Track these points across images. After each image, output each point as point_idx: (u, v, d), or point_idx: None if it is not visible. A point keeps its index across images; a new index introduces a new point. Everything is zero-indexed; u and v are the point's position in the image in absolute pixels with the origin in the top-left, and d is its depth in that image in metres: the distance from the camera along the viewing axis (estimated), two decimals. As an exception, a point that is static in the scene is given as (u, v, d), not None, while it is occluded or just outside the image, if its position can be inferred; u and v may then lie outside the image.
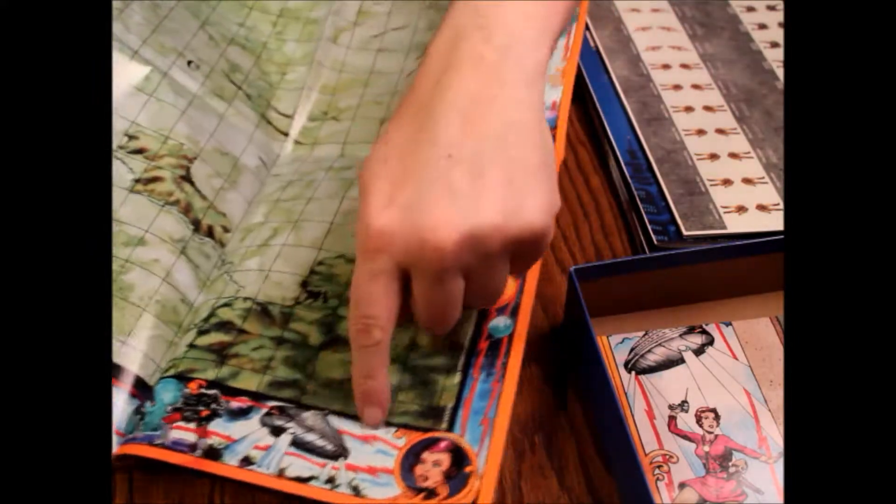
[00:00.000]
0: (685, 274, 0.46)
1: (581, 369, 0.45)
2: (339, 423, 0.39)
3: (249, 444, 0.38)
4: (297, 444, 0.38)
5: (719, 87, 0.62)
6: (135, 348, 0.41)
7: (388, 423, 0.39)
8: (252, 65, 0.58)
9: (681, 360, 0.45)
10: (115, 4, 0.51)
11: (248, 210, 0.50)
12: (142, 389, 0.41)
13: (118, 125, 0.48)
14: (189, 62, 0.53)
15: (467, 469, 0.36)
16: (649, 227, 0.51)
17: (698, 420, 0.42)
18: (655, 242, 0.50)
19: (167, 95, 0.50)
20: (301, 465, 0.37)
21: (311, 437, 0.38)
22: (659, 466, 0.40)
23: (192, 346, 0.42)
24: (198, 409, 0.40)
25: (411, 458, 0.37)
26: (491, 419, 0.38)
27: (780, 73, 0.63)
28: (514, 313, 0.42)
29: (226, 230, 0.49)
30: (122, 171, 0.47)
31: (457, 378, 0.40)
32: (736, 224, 0.51)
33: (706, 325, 0.46)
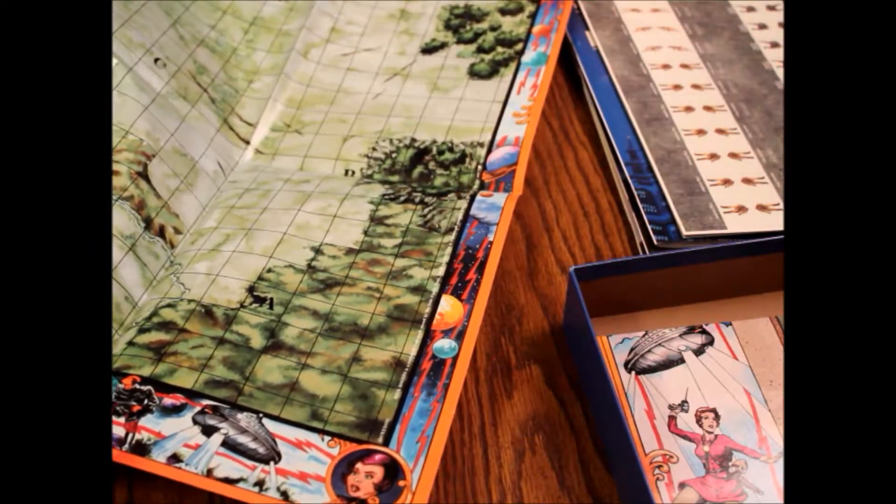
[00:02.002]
0: (685, 274, 0.46)
1: (581, 369, 0.45)
2: (273, 426, 0.39)
3: (179, 441, 0.38)
4: (229, 445, 0.38)
5: (719, 87, 0.62)
6: None
7: (324, 432, 0.39)
8: (219, 69, 0.58)
9: (681, 360, 0.45)
10: None
11: (201, 214, 0.50)
12: None
13: None
14: (156, 59, 0.53)
15: (401, 483, 0.37)
16: (649, 227, 0.51)
17: (698, 420, 0.42)
18: (655, 242, 0.50)
19: (130, 90, 0.50)
20: (230, 466, 0.37)
21: (243, 439, 0.38)
22: (659, 466, 0.40)
23: (131, 343, 0.42)
24: (129, 403, 0.39)
25: (344, 468, 0.37)
26: (429, 437, 0.38)
27: (780, 73, 0.63)
28: (460, 337, 0.42)
29: (177, 231, 0.48)
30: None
31: (397, 395, 0.40)
32: (736, 224, 0.51)
33: (706, 325, 0.46)
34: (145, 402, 0.39)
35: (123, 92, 0.50)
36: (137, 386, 0.40)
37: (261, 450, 0.38)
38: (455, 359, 0.41)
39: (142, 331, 0.43)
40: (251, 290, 0.45)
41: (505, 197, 0.50)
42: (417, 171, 0.53)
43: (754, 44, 0.66)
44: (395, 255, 0.46)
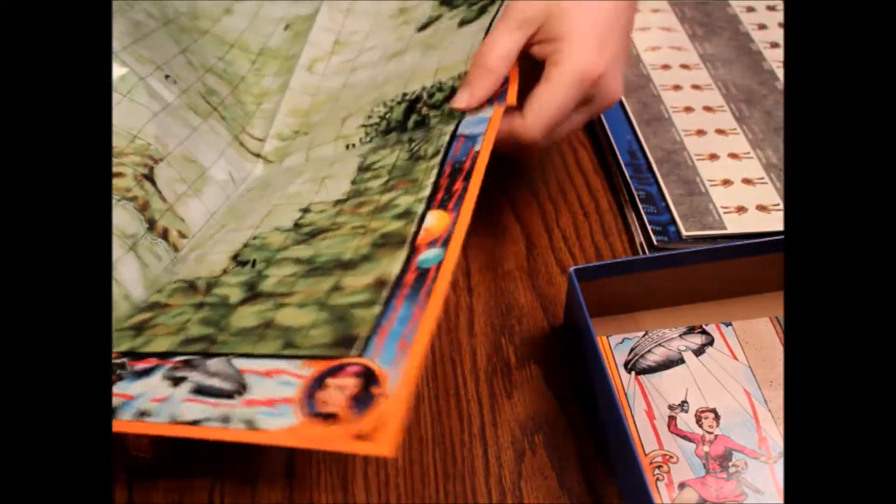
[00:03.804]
0: (685, 274, 0.46)
1: (581, 369, 0.45)
2: (243, 363, 0.37)
3: (146, 398, 0.37)
4: (197, 391, 0.36)
5: (719, 87, 0.62)
6: None
7: (296, 357, 0.36)
8: (229, 93, 0.58)
9: (681, 361, 0.45)
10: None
11: (209, 221, 0.50)
12: None
13: None
14: (167, 76, 0.53)
15: (374, 390, 0.33)
16: (649, 228, 0.51)
17: (698, 420, 0.42)
18: (655, 242, 0.50)
19: (141, 97, 0.50)
20: (196, 408, 0.36)
21: (211, 382, 0.37)
22: (659, 466, 0.40)
23: (116, 329, 0.42)
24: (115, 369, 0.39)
25: (315, 386, 0.35)
26: (409, 340, 0.35)
27: (780, 73, 0.63)
28: (445, 244, 0.39)
29: (182, 235, 0.48)
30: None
31: (377, 310, 0.37)
32: (736, 224, 0.51)
33: (706, 325, 0.46)
34: (118, 371, 0.39)
35: (134, 99, 0.50)
36: (113, 360, 0.39)
37: (227, 387, 0.36)
38: (440, 264, 0.38)
39: (129, 317, 0.43)
40: (235, 257, 0.45)
41: (492, 109, 0.47)
42: (412, 121, 0.52)
43: (754, 44, 0.66)
44: (381, 192, 0.45)
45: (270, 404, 0.34)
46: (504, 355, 0.46)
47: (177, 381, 0.37)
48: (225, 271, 0.44)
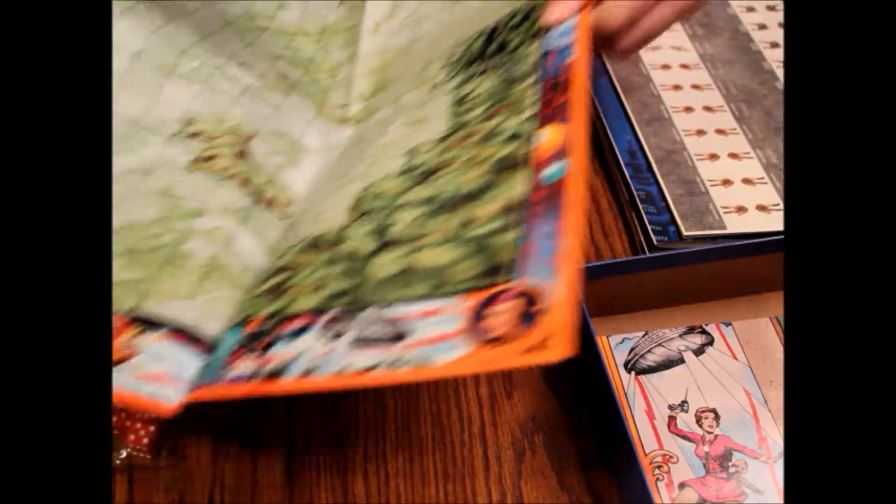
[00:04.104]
0: (685, 274, 0.46)
1: (581, 369, 0.45)
2: (397, 310, 0.38)
3: (309, 355, 0.37)
4: (359, 340, 0.37)
5: (719, 87, 0.62)
6: (198, 309, 0.42)
7: (449, 294, 0.37)
8: (302, 74, 0.59)
9: (681, 361, 0.45)
10: (157, 21, 0.52)
11: (315, 188, 0.50)
12: (207, 345, 0.41)
13: (170, 115, 0.49)
14: (241, 63, 0.54)
15: (535, 308, 0.34)
16: (649, 227, 0.51)
17: (698, 420, 0.42)
18: (655, 242, 0.50)
19: (220, 84, 0.51)
20: (362, 358, 0.36)
21: (370, 331, 0.37)
22: (659, 466, 0.40)
23: (251, 297, 0.43)
24: (256, 342, 0.39)
25: (477, 316, 0.36)
26: (558, 253, 0.36)
27: (780, 73, 0.63)
28: (566, 154, 0.39)
29: (288, 203, 0.49)
30: (177, 154, 0.47)
31: (513, 234, 0.38)
32: (736, 224, 0.51)
33: (706, 325, 0.46)
34: (271, 334, 0.39)
35: (213, 87, 0.51)
36: (261, 326, 0.40)
37: (388, 333, 0.37)
38: (567, 176, 0.39)
39: (260, 284, 0.43)
40: (353, 210, 0.45)
41: (578, 15, 0.47)
42: (493, 47, 0.51)
43: (754, 44, 0.66)
44: (483, 120, 0.45)
45: (438, 341, 0.35)
46: (504, 355, 0.46)
47: (336, 335, 0.38)
48: (345, 226, 0.44)
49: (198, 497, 0.40)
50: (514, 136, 0.43)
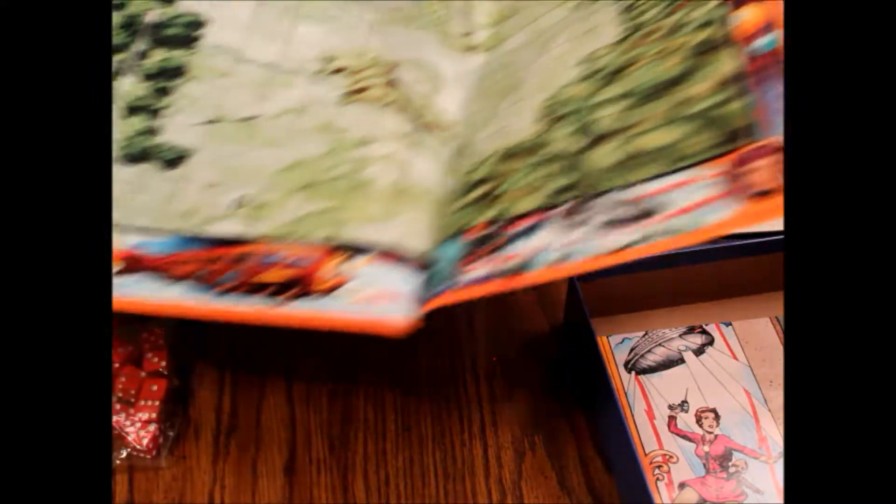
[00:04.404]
0: (685, 274, 0.46)
1: (581, 369, 0.45)
2: (637, 190, 0.38)
3: (557, 245, 0.38)
4: (606, 224, 0.38)
5: (719, 87, 0.62)
6: (396, 229, 0.42)
7: (692, 165, 0.38)
8: (414, 7, 0.59)
9: (681, 360, 0.45)
10: None
11: (469, 109, 0.51)
12: (419, 262, 0.41)
13: (308, 55, 0.50)
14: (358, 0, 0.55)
15: None
16: (649, 227, 0.51)
17: (698, 420, 0.42)
18: (655, 242, 0.50)
19: (347, 20, 0.52)
20: (614, 238, 0.37)
21: (615, 214, 0.38)
22: (659, 466, 0.40)
23: (458, 210, 0.43)
24: (485, 245, 0.40)
25: (735, 176, 0.36)
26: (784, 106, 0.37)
27: (780, 73, 0.63)
28: (773, 27, 0.41)
29: (448, 127, 0.49)
30: (327, 91, 0.48)
31: (739, 103, 0.39)
32: (736, 224, 0.51)
33: (706, 325, 0.46)
34: (501, 236, 0.40)
35: (345, 24, 0.51)
36: (485, 231, 0.40)
37: (635, 212, 0.38)
38: (778, 45, 0.40)
39: (462, 196, 0.44)
40: (544, 118, 0.45)
41: None
42: None
43: (754, 44, 0.66)
44: (665, 17, 0.46)
45: (702, 205, 0.36)
46: (504, 355, 0.46)
47: (580, 223, 0.39)
48: (542, 133, 0.44)
49: (198, 497, 0.40)
50: (707, 24, 0.43)
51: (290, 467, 0.42)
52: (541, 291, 0.49)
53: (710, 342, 0.45)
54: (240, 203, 0.43)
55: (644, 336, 0.46)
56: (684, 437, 0.41)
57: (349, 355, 0.46)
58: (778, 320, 0.46)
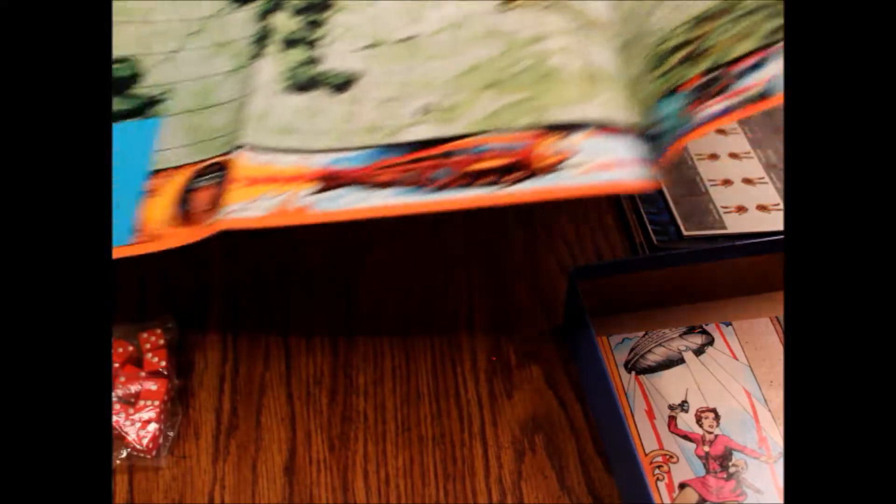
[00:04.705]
0: (685, 274, 0.46)
1: (581, 369, 0.45)
2: None
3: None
4: None
5: (719, 87, 0.62)
6: (601, 107, 0.41)
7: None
8: None
9: (681, 360, 0.45)
10: None
11: (614, 10, 0.49)
12: (636, 131, 0.41)
13: None
14: None
15: None
16: (649, 227, 0.51)
17: (698, 420, 0.42)
18: (655, 242, 0.50)
19: None
20: None
21: None
22: (659, 466, 0.40)
23: (660, 76, 0.43)
24: (713, 87, 0.40)
25: None
26: None
27: (780, 73, 0.63)
28: None
29: (608, 26, 0.48)
30: (479, 5, 0.47)
31: (777, 21, 0.41)
32: (736, 224, 0.51)
33: (706, 325, 0.46)
34: (724, 78, 0.40)
35: None
36: (704, 78, 0.40)
37: None
38: None
39: (659, 64, 0.43)
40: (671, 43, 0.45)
41: None
42: None
43: (754, 44, 0.66)
44: None
45: None
46: (504, 355, 0.46)
47: None
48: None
49: (198, 497, 0.40)
50: None
51: (289, 467, 0.42)
52: (541, 292, 0.49)
53: (710, 342, 0.45)
54: (426, 109, 0.42)
55: (644, 336, 0.46)
56: (684, 437, 0.41)
57: (349, 355, 0.46)
58: (778, 320, 0.46)
